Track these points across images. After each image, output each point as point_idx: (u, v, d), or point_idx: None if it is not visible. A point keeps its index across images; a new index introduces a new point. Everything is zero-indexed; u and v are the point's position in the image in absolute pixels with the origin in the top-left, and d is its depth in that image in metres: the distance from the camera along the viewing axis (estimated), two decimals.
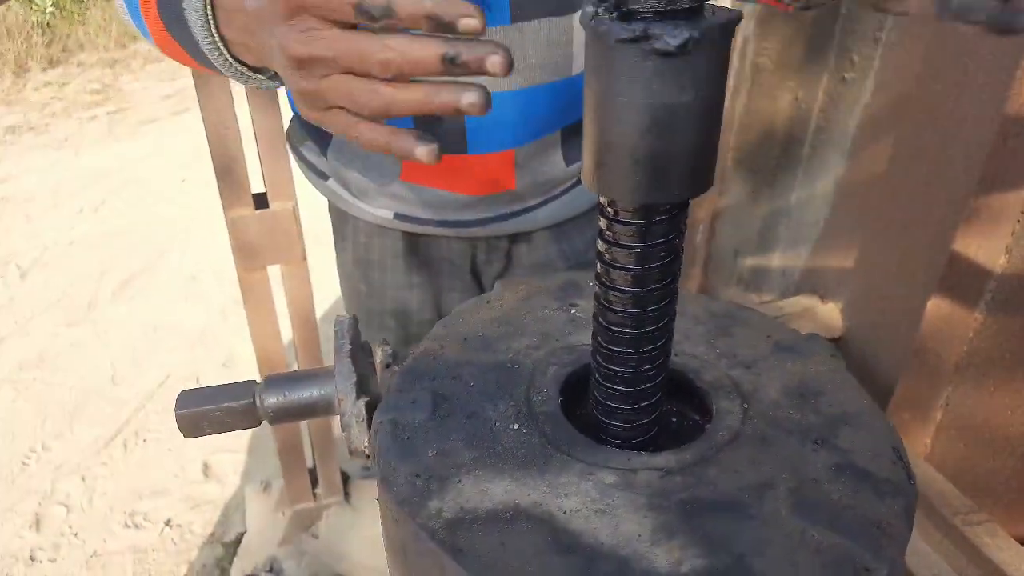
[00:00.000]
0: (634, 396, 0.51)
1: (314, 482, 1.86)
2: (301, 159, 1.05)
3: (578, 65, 0.89)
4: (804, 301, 1.52)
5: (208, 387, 0.63)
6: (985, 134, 1.06)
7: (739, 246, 1.83)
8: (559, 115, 0.91)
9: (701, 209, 1.71)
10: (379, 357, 0.61)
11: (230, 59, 0.62)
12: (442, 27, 0.44)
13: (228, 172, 1.35)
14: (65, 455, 2.40)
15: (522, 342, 0.60)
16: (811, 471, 0.48)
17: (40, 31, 6.15)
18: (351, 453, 0.62)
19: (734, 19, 0.38)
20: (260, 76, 0.64)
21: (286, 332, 1.65)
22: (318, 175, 1.03)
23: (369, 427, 0.60)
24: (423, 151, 0.50)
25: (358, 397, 0.60)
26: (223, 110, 1.32)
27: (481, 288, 1.13)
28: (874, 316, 1.40)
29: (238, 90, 1.35)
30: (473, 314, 0.64)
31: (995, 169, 1.04)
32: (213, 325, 3.01)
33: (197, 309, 3.11)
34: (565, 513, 0.45)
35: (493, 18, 0.80)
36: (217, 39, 0.60)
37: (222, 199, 1.38)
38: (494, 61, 0.44)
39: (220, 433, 0.63)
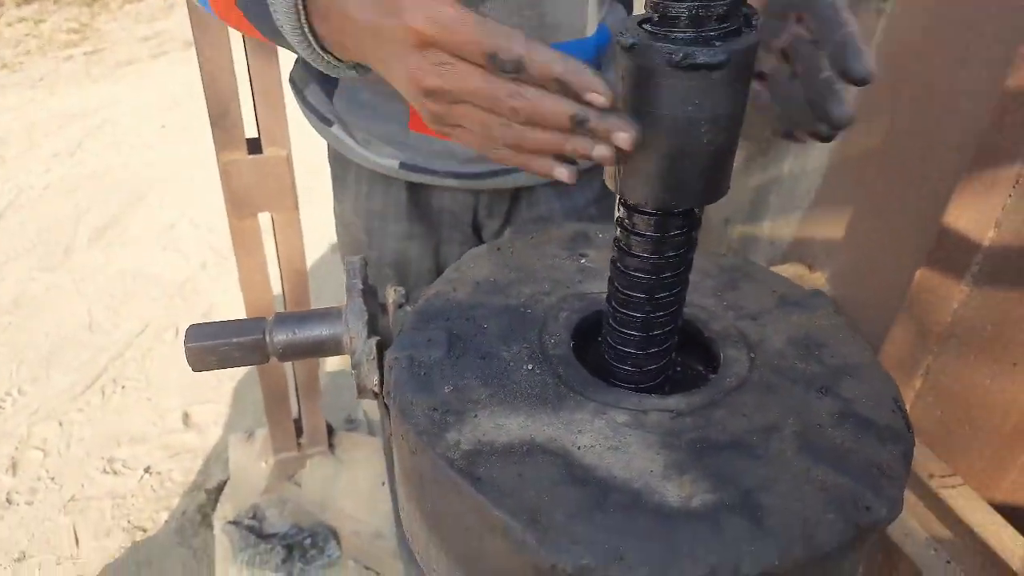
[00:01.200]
0: (647, 341, 0.52)
1: (298, 432, 1.86)
2: (304, 103, 1.04)
3: (591, 26, 0.90)
4: (792, 269, 1.55)
5: (218, 321, 0.63)
6: (982, 109, 1.07)
7: (730, 214, 1.84)
8: None
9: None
10: (392, 297, 0.61)
11: (318, 50, 0.60)
12: (569, 93, 0.45)
13: (222, 116, 1.33)
14: (41, 400, 2.39)
15: (533, 288, 0.61)
16: (815, 417, 0.50)
17: None
18: (359, 391, 0.63)
19: (755, 43, 0.42)
20: (343, 65, 0.62)
21: (274, 283, 1.64)
22: (322, 120, 1.02)
23: (379, 366, 0.61)
24: (564, 172, 0.50)
25: (369, 336, 0.61)
26: (220, 53, 1.29)
27: (481, 241, 1.13)
28: (860, 287, 1.42)
29: (235, 34, 1.32)
30: (485, 260, 0.64)
31: (990, 144, 1.05)
32: (193, 276, 2.97)
33: (176, 258, 3.08)
34: (579, 448, 0.46)
35: None
36: (307, 31, 0.58)
37: (215, 143, 1.36)
38: (622, 138, 0.44)
39: (226, 368, 0.64)
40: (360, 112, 0.96)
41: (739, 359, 0.54)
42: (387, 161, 0.98)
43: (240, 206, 1.41)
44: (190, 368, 0.62)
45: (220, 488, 1.95)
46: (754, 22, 0.43)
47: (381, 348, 0.61)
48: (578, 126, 0.45)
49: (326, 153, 1.10)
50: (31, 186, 3.55)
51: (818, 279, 1.51)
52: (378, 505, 1.75)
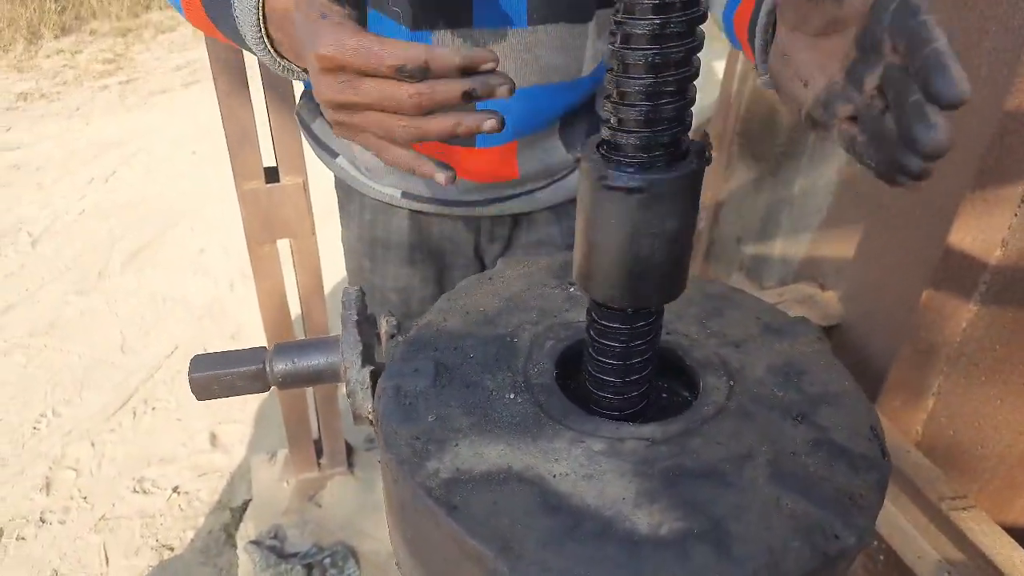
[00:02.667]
0: (625, 370, 0.53)
1: (319, 452, 1.89)
2: (311, 136, 1.07)
3: (587, 68, 0.92)
4: (804, 288, 1.54)
5: (220, 352, 0.66)
6: (984, 129, 1.07)
7: (741, 233, 1.84)
8: (562, 110, 0.95)
9: (705, 196, 1.72)
10: (384, 328, 0.64)
11: (275, 55, 0.69)
12: (470, 72, 0.56)
13: (240, 145, 1.38)
14: (75, 421, 2.45)
15: (521, 317, 0.63)
16: (790, 445, 0.51)
17: None
18: (355, 418, 0.65)
19: (700, 169, 0.46)
20: (297, 68, 0.71)
21: (294, 306, 1.68)
22: (328, 152, 1.05)
23: (373, 394, 0.63)
24: (441, 176, 0.62)
25: (363, 365, 0.63)
26: (236, 84, 1.34)
27: (483, 267, 1.15)
28: (871, 305, 1.42)
29: (251, 64, 1.37)
30: (476, 289, 0.67)
31: (993, 163, 1.05)
32: (221, 298, 3.04)
33: (205, 281, 3.15)
34: (555, 476, 0.48)
35: (511, 21, 0.84)
36: (265, 37, 0.67)
37: (234, 172, 1.40)
38: (502, 91, 0.56)
39: (229, 396, 0.67)
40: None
41: (718, 387, 0.56)
42: (390, 190, 1.01)
43: (259, 233, 1.45)
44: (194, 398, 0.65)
45: (244, 507, 1.99)
46: (707, 154, 0.47)
47: (375, 377, 0.63)
48: (469, 99, 0.56)
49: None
50: (67, 212, 3.65)
51: (830, 298, 1.50)
52: None
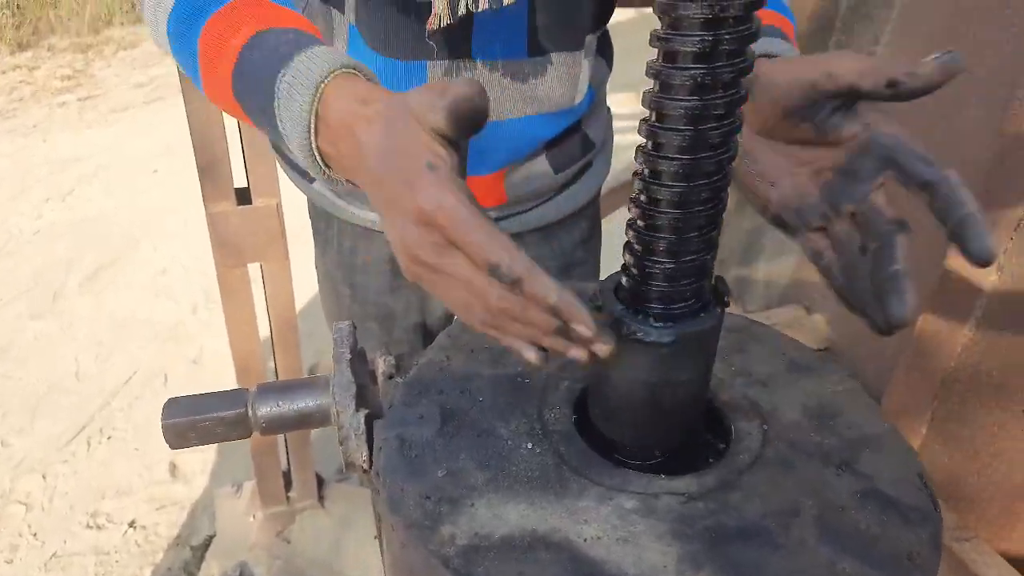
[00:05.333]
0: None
1: (288, 484, 1.81)
2: (285, 161, 1.02)
3: (580, 96, 0.91)
4: (790, 312, 1.52)
5: (197, 395, 0.60)
6: (981, 152, 1.06)
7: (723, 257, 1.82)
8: (552, 135, 0.93)
9: None
10: (381, 367, 0.58)
11: (320, 164, 0.57)
12: (559, 320, 0.45)
13: (211, 166, 1.31)
14: (25, 451, 2.32)
15: None
16: (835, 497, 0.47)
17: (10, 12, 5.98)
18: (346, 467, 0.59)
19: (717, 325, 0.46)
20: (342, 180, 0.59)
21: (262, 330, 1.61)
22: (304, 177, 1.00)
23: (368, 440, 0.57)
24: (531, 355, 0.48)
25: (357, 409, 0.57)
26: (207, 105, 1.27)
27: None
28: (860, 328, 1.40)
29: None
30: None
31: (991, 187, 1.04)
32: (183, 321, 2.93)
33: (167, 304, 3.04)
34: (585, 540, 0.43)
35: (511, 52, 0.81)
36: (314, 149, 0.55)
37: (203, 194, 1.33)
38: (601, 349, 0.45)
39: (208, 444, 0.60)
40: None
41: (751, 432, 0.51)
42: (370, 215, 0.96)
43: (228, 256, 1.38)
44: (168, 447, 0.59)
45: (206, 544, 1.89)
46: (726, 300, 0.47)
47: (370, 421, 0.58)
48: (560, 335, 0.45)
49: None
50: (22, 231, 3.51)
51: (818, 321, 1.48)
52: (369, 559, 1.70)
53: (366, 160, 0.50)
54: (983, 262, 0.48)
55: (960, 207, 0.49)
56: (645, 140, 0.45)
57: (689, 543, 0.43)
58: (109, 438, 2.41)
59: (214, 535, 1.91)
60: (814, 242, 0.54)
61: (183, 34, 0.64)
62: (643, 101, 0.45)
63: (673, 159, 0.43)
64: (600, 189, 1.07)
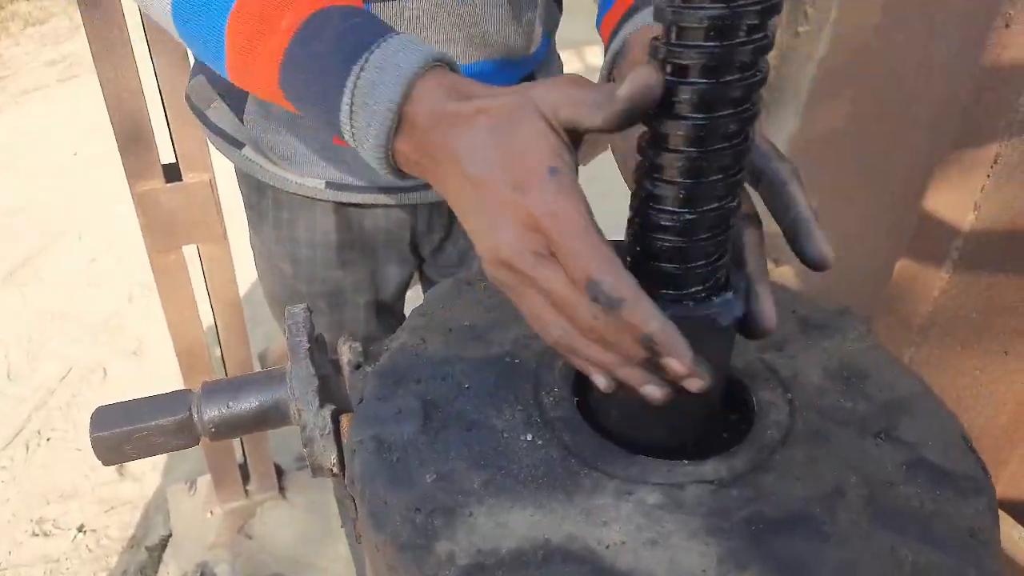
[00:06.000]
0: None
1: (245, 477, 1.73)
2: (208, 124, 0.92)
3: (535, 45, 0.86)
4: None
5: (131, 401, 0.51)
6: (955, 88, 1.02)
7: None
8: (505, 84, 0.86)
9: None
10: (347, 356, 0.50)
11: (394, 165, 0.51)
12: (650, 352, 0.40)
13: (133, 141, 1.19)
14: None
15: (518, 331, 0.51)
16: (881, 471, 0.41)
17: None
18: (314, 472, 0.52)
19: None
20: (395, 170, 0.52)
21: (205, 317, 1.51)
22: (230, 143, 0.90)
23: (337, 440, 0.50)
24: (657, 393, 0.42)
25: (321, 405, 0.50)
26: (124, 72, 1.15)
27: (421, 260, 1.03)
28: (831, 278, 1.37)
29: (140, 49, 1.18)
30: (454, 300, 0.54)
31: (967, 125, 1.00)
32: (119, 311, 2.79)
33: (100, 294, 2.88)
34: (608, 547, 0.36)
35: None
36: (389, 151, 0.49)
37: (127, 172, 1.22)
38: (693, 383, 0.40)
39: (149, 456, 0.52)
40: (276, 128, 0.84)
41: (776, 403, 0.45)
42: (311, 181, 0.87)
43: (161, 240, 1.27)
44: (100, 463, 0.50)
45: (163, 544, 1.81)
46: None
47: (337, 417, 0.50)
48: (648, 362, 0.40)
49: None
50: None
51: (786, 273, 1.45)
52: (337, 549, 1.63)
53: (464, 161, 0.44)
54: (818, 267, 0.46)
55: (792, 207, 0.47)
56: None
57: (727, 539, 0.37)
58: (48, 440, 2.29)
59: (170, 535, 1.82)
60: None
61: (199, 10, 0.57)
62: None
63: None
64: None
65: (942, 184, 1.05)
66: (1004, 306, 1.06)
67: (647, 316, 0.38)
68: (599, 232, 0.40)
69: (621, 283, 0.39)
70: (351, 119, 0.49)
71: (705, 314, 0.40)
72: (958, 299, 1.09)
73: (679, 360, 0.38)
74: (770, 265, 1.48)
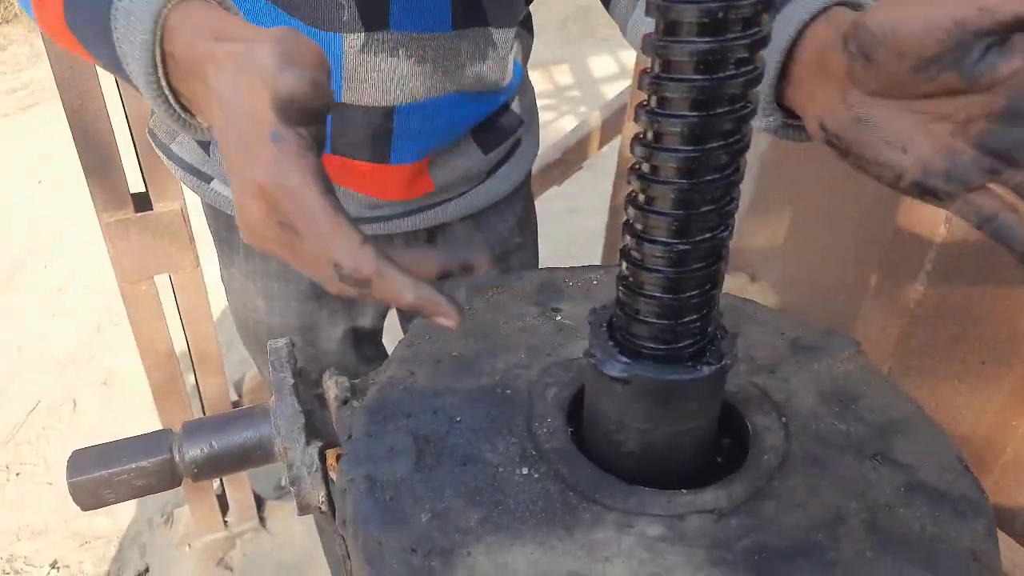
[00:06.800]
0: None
1: (223, 508, 1.69)
2: (173, 159, 0.90)
3: (509, 77, 0.85)
4: (733, 280, 1.49)
5: (110, 443, 0.50)
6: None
7: None
8: (480, 117, 0.87)
9: (621, 194, 1.65)
10: (334, 392, 0.49)
11: (173, 105, 0.48)
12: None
13: (100, 170, 1.16)
14: None
15: (508, 360, 0.50)
16: (880, 495, 0.41)
17: None
18: (302, 510, 0.50)
19: (726, 367, 0.40)
20: (203, 126, 0.51)
21: (178, 345, 1.48)
22: (198, 177, 0.88)
23: (324, 478, 0.48)
24: (451, 321, 0.42)
25: (308, 443, 0.48)
26: (90, 99, 1.13)
27: None
28: (807, 293, 1.38)
29: (106, 74, 1.16)
30: (441, 330, 0.53)
31: None
32: (87, 342, 2.73)
33: (67, 325, 2.82)
34: None
35: (433, 24, 0.73)
36: (166, 89, 0.47)
37: (95, 203, 1.19)
38: (448, 324, 0.40)
39: (130, 499, 0.50)
40: None
41: (771, 427, 0.45)
42: None
43: (131, 270, 1.24)
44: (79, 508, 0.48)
45: None
46: (725, 361, 0.41)
47: (324, 453, 0.49)
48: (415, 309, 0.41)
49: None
50: None
51: (762, 289, 1.46)
52: None
53: (213, 109, 0.42)
54: None
55: None
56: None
57: (732, 571, 0.36)
58: (18, 475, 2.23)
59: (146, 570, 1.78)
60: (977, 205, 0.46)
61: None
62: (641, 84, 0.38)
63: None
64: (531, 169, 1.01)
65: (912, 199, 1.07)
66: (980, 316, 1.07)
67: (396, 291, 0.38)
68: (333, 206, 0.39)
69: (361, 262, 0.38)
70: (124, 61, 0.47)
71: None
72: (934, 311, 1.10)
73: (444, 318, 0.39)
74: (745, 279, 1.49)
